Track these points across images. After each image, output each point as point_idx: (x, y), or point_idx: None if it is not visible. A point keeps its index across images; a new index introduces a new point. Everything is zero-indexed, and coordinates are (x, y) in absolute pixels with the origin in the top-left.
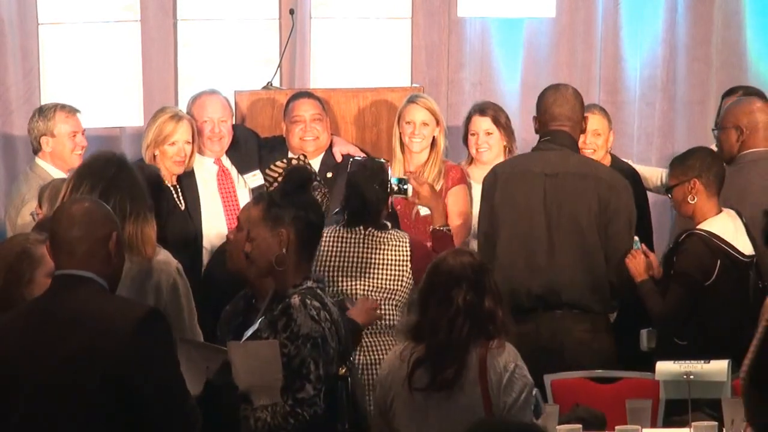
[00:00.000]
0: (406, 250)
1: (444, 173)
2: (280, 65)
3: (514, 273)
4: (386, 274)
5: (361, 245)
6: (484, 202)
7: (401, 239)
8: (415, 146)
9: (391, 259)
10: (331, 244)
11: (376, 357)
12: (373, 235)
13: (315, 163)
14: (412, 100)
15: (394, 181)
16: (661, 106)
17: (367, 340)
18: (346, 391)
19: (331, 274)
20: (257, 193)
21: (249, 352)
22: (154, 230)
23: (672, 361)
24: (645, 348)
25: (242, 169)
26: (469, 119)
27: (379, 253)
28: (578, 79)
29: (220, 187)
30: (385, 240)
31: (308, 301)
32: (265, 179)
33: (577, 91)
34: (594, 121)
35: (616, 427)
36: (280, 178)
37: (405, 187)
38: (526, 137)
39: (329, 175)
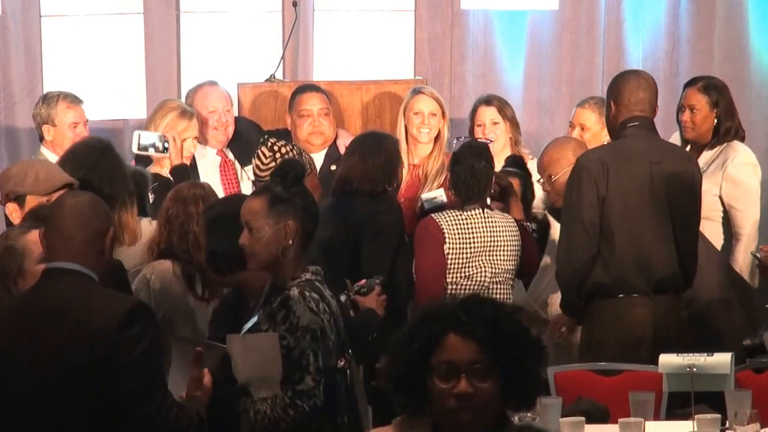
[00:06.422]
0: (517, 233)
1: (447, 166)
2: (283, 58)
3: (626, 260)
4: (507, 256)
5: (482, 228)
6: (589, 191)
7: (510, 222)
8: (423, 137)
9: (509, 242)
10: (454, 227)
11: None
12: (490, 217)
13: (320, 156)
14: (419, 91)
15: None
16: (664, 99)
17: None
18: (345, 384)
19: (458, 257)
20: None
21: (248, 344)
22: (133, 218)
23: (675, 354)
24: None
25: (244, 162)
26: (474, 111)
27: (499, 235)
28: (581, 72)
29: (222, 178)
30: (499, 221)
31: (307, 293)
32: (258, 178)
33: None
34: (582, 116)
35: (620, 420)
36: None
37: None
38: (529, 129)
39: (333, 167)
